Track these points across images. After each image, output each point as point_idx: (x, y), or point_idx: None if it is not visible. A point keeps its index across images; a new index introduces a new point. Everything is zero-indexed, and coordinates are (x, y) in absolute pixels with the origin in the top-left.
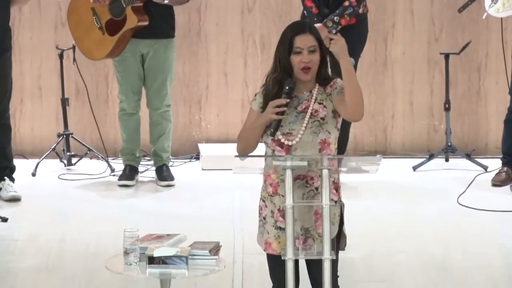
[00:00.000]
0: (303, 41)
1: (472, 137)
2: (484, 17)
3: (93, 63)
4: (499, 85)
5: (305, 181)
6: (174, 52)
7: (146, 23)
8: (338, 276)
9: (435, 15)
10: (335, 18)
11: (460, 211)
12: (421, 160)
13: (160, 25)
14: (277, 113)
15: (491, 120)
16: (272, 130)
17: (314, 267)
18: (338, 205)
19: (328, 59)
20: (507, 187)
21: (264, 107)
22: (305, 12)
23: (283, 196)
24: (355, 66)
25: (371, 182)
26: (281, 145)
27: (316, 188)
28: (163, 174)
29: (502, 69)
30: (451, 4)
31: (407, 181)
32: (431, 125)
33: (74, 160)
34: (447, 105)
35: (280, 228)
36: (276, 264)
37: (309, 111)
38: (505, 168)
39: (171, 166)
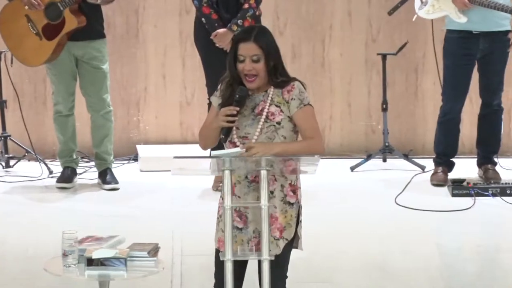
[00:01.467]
0: (245, 50)
1: (410, 138)
2: (414, 19)
3: None
4: (436, 85)
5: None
6: (107, 52)
7: (84, 24)
8: (287, 277)
9: (372, 16)
10: (239, 21)
11: (398, 211)
12: (359, 160)
13: (93, 25)
14: (228, 121)
15: (429, 121)
16: (223, 136)
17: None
18: (296, 206)
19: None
20: (445, 187)
21: (222, 105)
22: (203, 19)
23: (239, 197)
24: None
25: (310, 183)
26: (237, 147)
27: (272, 192)
28: (107, 178)
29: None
30: (388, 5)
31: (345, 181)
32: (369, 126)
33: (12, 162)
34: (384, 106)
35: (236, 228)
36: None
37: (264, 114)
38: (441, 168)
39: None
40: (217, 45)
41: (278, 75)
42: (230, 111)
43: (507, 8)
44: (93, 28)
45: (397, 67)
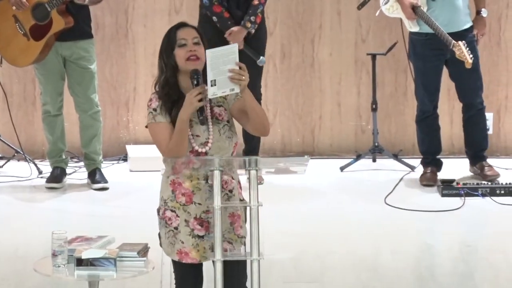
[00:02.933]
0: (186, 33)
1: (399, 138)
2: (377, 14)
3: None
4: None
5: (221, 186)
6: (95, 52)
7: (72, 24)
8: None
9: (362, 16)
10: (251, 18)
11: (388, 211)
12: (349, 160)
13: (80, 26)
14: (199, 100)
15: None
16: (201, 118)
17: (231, 270)
18: (244, 203)
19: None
20: (434, 186)
21: (174, 113)
22: (214, 18)
23: (199, 204)
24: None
25: (299, 183)
26: (198, 155)
27: (230, 191)
28: (97, 178)
29: None
30: (377, 5)
31: (335, 181)
32: (359, 126)
33: (1, 162)
34: (374, 106)
35: (198, 236)
36: (188, 273)
37: (209, 115)
38: (429, 168)
39: None
40: (230, 43)
41: None
42: (198, 91)
43: (449, 41)
44: (80, 28)
45: (387, 67)
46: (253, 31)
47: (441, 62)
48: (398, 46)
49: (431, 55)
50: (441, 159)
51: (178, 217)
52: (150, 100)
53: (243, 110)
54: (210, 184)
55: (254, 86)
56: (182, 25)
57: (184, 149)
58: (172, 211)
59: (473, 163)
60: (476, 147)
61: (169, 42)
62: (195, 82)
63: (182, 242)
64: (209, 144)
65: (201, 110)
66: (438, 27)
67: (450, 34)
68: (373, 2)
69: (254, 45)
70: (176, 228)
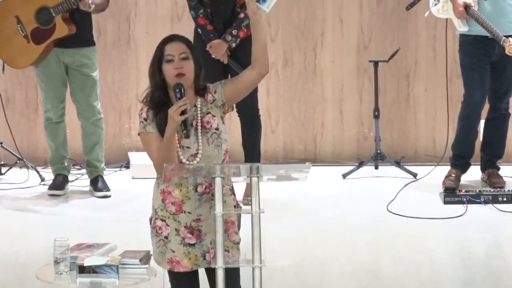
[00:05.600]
0: (173, 48)
1: (402, 144)
2: (426, 15)
3: (23, 71)
4: (428, 92)
5: (211, 194)
6: (97, 59)
7: (74, 32)
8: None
9: (364, 23)
10: (233, 31)
11: (390, 219)
12: (351, 167)
13: (83, 33)
14: (181, 114)
15: (420, 127)
16: (184, 131)
17: (226, 277)
18: (238, 208)
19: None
20: (437, 194)
21: (162, 124)
22: (199, 30)
23: (189, 212)
24: None
25: (301, 190)
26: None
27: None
28: (99, 185)
29: (431, 76)
30: (379, 12)
31: (337, 188)
32: (361, 133)
33: (3, 169)
34: (376, 113)
35: (189, 244)
36: (182, 281)
37: (199, 126)
38: (454, 171)
39: None
40: (212, 56)
41: (199, 80)
42: (178, 105)
43: (499, 38)
44: (82, 36)
45: (389, 73)
46: (233, 45)
47: (486, 64)
48: (400, 53)
49: (477, 53)
50: (470, 162)
51: (168, 226)
52: (141, 109)
53: (237, 86)
54: (199, 193)
55: (250, 101)
56: (170, 39)
57: (173, 162)
58: (162, 220)
59: (483, 169)
60: (491, 151)
61: (157, 57)
62: (178, 96)
63: (173, 251)
64: (198, 157)
65: (184, 124)
66: (489, 24)
67: None
68: (423, 2)
69: (241, 59)
70: (166, 237)
